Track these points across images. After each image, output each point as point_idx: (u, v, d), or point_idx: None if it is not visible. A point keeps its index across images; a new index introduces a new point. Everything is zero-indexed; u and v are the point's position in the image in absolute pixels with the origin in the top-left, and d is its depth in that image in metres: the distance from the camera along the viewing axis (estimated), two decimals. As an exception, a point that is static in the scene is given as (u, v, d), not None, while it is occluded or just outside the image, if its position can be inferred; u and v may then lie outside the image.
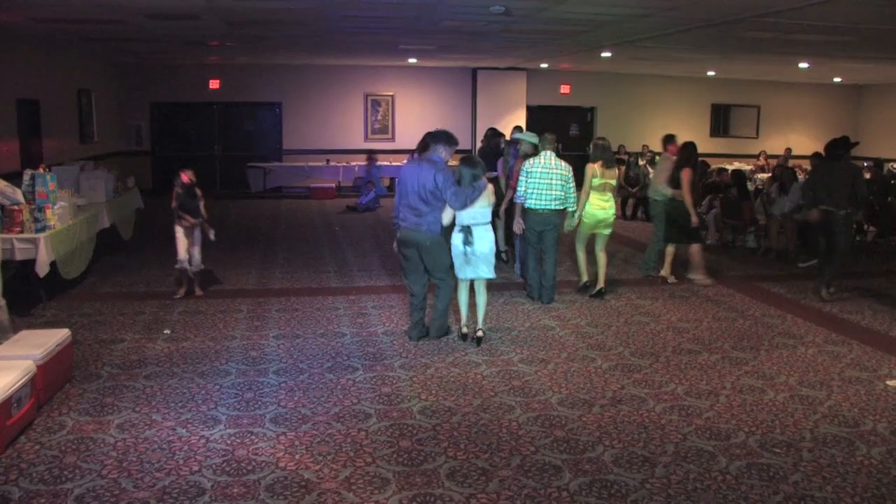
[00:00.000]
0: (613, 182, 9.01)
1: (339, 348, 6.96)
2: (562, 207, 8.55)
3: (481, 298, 7.19)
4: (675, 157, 9.74)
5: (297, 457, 4.72)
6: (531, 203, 8.50)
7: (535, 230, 8.59)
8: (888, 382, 6.25)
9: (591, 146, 9.23)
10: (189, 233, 8.71)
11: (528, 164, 8.55)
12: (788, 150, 19.76)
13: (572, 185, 8.54)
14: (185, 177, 8.68)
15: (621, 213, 16.08)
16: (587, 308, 8.52)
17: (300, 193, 19.34)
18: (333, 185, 19.44)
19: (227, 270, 10.27)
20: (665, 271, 9.85)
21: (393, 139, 20.62)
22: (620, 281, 9.94)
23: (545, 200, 8.45)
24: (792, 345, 7.28)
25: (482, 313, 7.22)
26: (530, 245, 8.76)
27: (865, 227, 13.00)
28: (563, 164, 8.56)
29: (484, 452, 4.81)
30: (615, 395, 5.86)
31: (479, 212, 7.00)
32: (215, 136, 20.05)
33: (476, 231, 6.99)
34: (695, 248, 9.73)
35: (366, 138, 20.52)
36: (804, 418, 5.46)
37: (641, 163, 17.11)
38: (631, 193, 16.14)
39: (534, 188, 8.44)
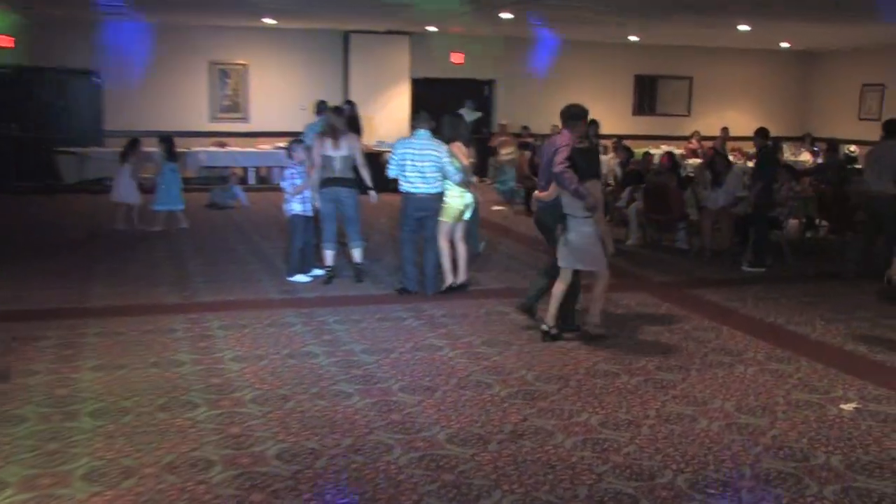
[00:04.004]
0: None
1: (176, 380, 6.83)
2: (440, 191, 9.42)
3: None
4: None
5: (116, 520, 4.60)
6: (407, 187, 9.37)
7: (414, 216, 9.58)
8: (842, 406, 6.44)
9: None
10: None
11: (401, 145, 9.42)
12: (725, 130, 20.39)
13: (451, 167, 9.36)
14: None
15: (525, 209, 16.22)
16: (482, 323, 8.60)
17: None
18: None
19: (29, 286, 9.93)
20: (894, 271, 10.13)
21: (247, 119, 20.45)
22: (523, 290, 10.05)
23: (421, 184, 9.26)
24: (729, 363, 7.50)
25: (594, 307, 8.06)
26: (408, 233, 9.63)
27: (817, 221, 13.44)
28: (437, 143, 9.35)
29: (355, 505, 4.79)
30: (516, 429, 5.92)
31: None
32: (11, 111, 19.22)
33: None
34: None
35: (212, 118, 20.27)
36: (743, 451, 5.62)
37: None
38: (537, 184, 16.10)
39: (410, 171, 9.26)
